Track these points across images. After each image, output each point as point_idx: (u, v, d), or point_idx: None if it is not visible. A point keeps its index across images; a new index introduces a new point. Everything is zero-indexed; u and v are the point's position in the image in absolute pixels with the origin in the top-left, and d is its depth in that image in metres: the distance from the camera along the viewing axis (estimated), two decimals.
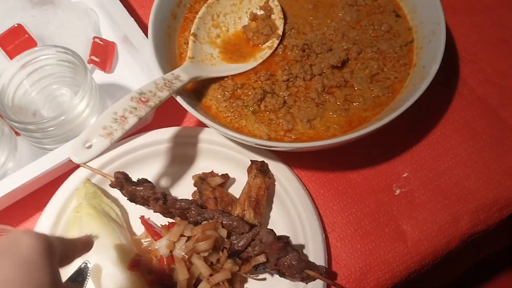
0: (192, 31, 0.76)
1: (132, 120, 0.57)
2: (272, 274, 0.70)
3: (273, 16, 0.80)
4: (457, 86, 0.82)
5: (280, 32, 0.78)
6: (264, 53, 0.78)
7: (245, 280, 0.70)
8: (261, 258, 0.65)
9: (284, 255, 0.65)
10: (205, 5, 0.78)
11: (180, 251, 0.64)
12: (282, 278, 0.67)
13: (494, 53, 0.85)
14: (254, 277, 0.70)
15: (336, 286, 0.67)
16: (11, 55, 0.81)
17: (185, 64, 0.71)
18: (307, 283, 0.66)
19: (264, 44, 0.79)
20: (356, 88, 0.74)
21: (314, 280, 0.66)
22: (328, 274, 0.67)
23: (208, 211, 0.68)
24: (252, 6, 0.82)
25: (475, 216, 0.73)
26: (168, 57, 0.76)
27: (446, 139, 0.78)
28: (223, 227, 0.67)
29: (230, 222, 0.67)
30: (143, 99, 0.53)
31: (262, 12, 0.81)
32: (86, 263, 0.65)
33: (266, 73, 0.75)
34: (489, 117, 0.79)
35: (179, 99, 0.67)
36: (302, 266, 0.64)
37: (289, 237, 0.67)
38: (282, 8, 0.80)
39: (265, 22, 0.79)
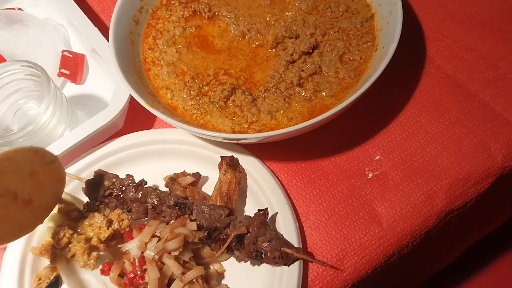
0: None
1: None
2: (252, 264, 0.69)
3: None
4: (424, 65, 0.81)
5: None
6: None
7: (221, 277, 0.70)
8: (243, 229, 0.64)
9: (263, 233, 0.65)
10: None
11: (150, 252, 0.64)
12: (260, 265, 0.67)
13: (460, 29, 0.84)
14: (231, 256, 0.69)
15: (314, 262, 0.67)
16: None
17: None
18: (284, 265, 0.65)
19: None
20: (325, 73, 0.74)
21: (293, 260, 0.65)
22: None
23: (188, 201, 0.69)
24: None
25: (450, 193, 0.71)
26: (131, 62, 0.77)
27: (416, 118, 0.77)
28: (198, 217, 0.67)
29: (208, 209, 0.67)
30: None
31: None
32: (57, 277, 0.66)
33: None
34: (458, 92, 0.78)
35: (140, 101, 0.68)
36: (281, 243, 0.64)
37: (267, 208, 0.67)
38: None
39: None
